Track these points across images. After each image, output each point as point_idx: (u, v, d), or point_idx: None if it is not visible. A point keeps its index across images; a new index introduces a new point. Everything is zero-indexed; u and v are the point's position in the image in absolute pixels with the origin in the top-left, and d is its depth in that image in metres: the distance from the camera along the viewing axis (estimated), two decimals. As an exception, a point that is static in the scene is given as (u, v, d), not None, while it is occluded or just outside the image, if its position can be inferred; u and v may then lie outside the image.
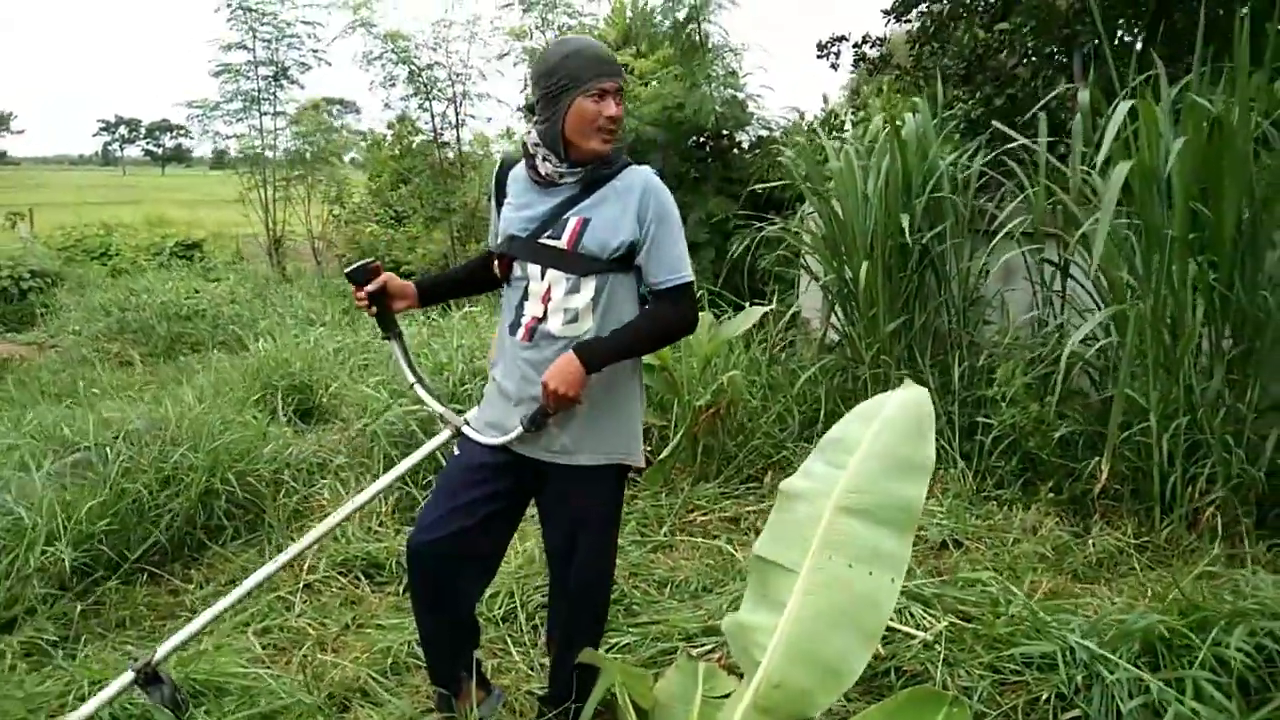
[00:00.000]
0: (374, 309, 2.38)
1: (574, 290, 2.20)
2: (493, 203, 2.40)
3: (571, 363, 2.13)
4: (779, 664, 1.91)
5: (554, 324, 2.21)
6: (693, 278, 2.25)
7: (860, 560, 1.94)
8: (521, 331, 2.25)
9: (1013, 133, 4.55)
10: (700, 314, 4.53)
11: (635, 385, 2.36)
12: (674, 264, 2.21)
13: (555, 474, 2.29)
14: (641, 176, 2.22)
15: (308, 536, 2.46)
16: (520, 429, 2.23)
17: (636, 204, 2.18)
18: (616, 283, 2.21)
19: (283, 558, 2.42)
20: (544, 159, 2.22)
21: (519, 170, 2.32)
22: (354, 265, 2.37)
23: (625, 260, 2.20)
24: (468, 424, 2.39)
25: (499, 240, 2.33)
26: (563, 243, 2.19)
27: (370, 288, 2.33)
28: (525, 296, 2.26)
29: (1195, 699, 2.34)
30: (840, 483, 2.03)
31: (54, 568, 3.12)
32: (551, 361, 2.19)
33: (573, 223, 2.19)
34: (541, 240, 2.21)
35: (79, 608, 3.10)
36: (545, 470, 2.29)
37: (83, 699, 2.39)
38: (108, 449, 3.64)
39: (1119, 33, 5.97)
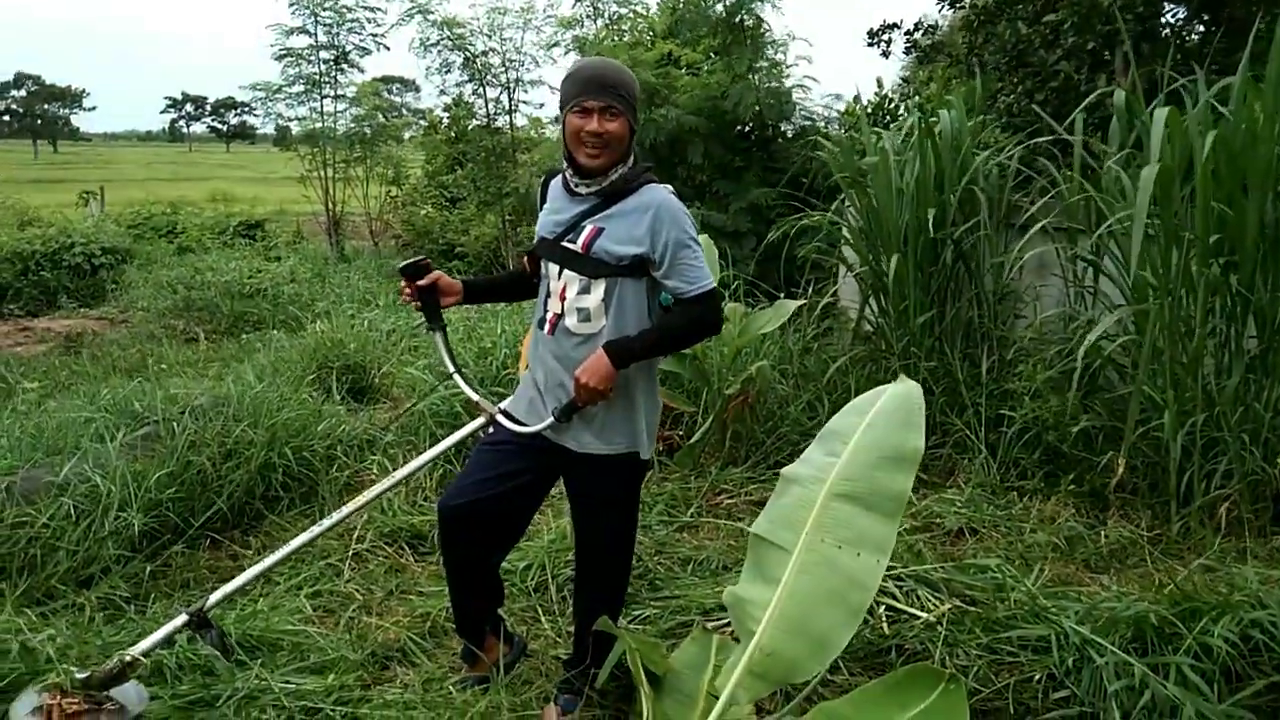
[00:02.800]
0: (420, 303, 2.60)
1: (585, 291, 2.41)
2: (538, 208, 2.62)
3: (602, 360, 2.33)
4: (772, 634, 2.09)
5: (570, 321, 2.43)
6: (714, 284, 2.42)
7: (849, 542, 2.11)
8: (547, 326, 2.47)
9: (1055, 125, 4.61)
10: (734, 304, 4.73)
11: (649, 385, 2.55)
12: (695, 276, 2.37)
13: (577, 461, 2.50)
14: (658, 197, 2.39)
15: (352, 504, 2.71)
16: (551, 420, 2.45)
17: (650, 222, 2.35)
18: (625, 287, 2.39)
19: (327, 522, 2.66)
20: (565, 169, 2.45)
21: (559, 178, 2.53)
22: (407, 261, 2.58)
23: (633, 269, 2.38)
24: (502, 412, 2.61)
25: (535, 240, 2.55)
26: (578, 246, 2.40)
27: (422, 283, 2.55)
28: (548, 293, 2.48)
29: (1178, 684, 2.48)
30: (834, 470, 2.20)
31: (126, 532, 3.40)
32: (570, 355, 2.41)
33: (588, 230, 2.40)
34: (563, 243, 2.43)
35: (148, 569, 3.38)
36: (568, 457, 2.50)
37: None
38: (174, 423, 3.91)
39: (1164, 20, 5.95)
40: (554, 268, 2.45)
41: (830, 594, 2.10)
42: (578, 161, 2.38)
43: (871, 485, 2.15)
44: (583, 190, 2.42)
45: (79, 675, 2.30)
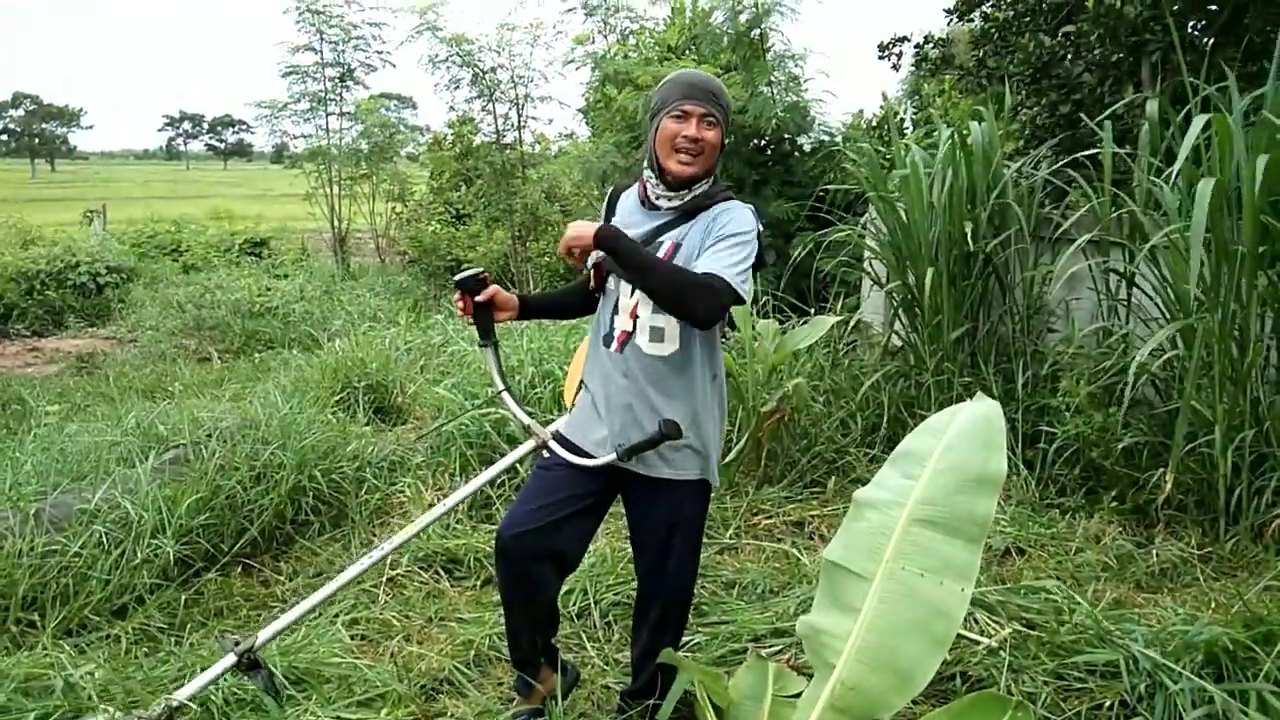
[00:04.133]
0: (475, 318, 2.49)
1: (659, 311, 2.31)
2: (602, 220, 2.54)
3: (590, 227, 2.23)
4: (853, 667, 2.02)
5: (641, 340, 2.34)
6: (735, 289, 2.20)
7: (931, 570, 2.03)
8: (614, 344, 2.38)
9: (1096, 132, 4.56)
10: (767, 321, 4.66)
11: (718, 413, 2.47)
12: (719, 261, 2.20)
13: (643, 486, 2.42)
14: (732, 205, 2.32)
15: (398, 537, 2.62)
16: (612, 456, 2.35)
17: (711, 219, 2.29)
18: None
19: (377, 554, 2.57)
20: (647, 179, 2.37)
21: (632, 192, 2.46)
22: (465, 274, 2.45)
23: None
24: (556, 435, 2.52)
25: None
26: None
27: (480, 298, 2.45)
28: (616, 310, 2.39)
29: (1260, 711, 2.40)
30: (913, 494, 2.13)
31: (158, 559, 3.32)
32: (640, 374, 2.34)
33: (666, 245, 2.32)
34: None
35: (182, 598, 3.30)
36: (633, 481, 2.42)
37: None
38: (202, 446, 3.84)
39: (1189, 34, 5.91)
40: (625, 285, 2.36)
41: (913, 624, 2.02)
42: (667, 169, 2.30)
43: (952, 509, 2.08)
44: (663, 204, 2.35)
45: None
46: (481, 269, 2.51)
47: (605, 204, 2.55)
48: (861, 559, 2.12)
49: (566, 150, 10.78)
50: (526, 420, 2.56)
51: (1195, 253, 3.30)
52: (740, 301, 2.26)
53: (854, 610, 2.08)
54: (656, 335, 2.33)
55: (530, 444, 2.60)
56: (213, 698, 2.48)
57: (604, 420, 2.42)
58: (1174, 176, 3.78)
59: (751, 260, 2.28)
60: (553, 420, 2.81)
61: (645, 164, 2.38)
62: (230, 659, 2.36)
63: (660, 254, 2.31)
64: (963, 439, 2.17)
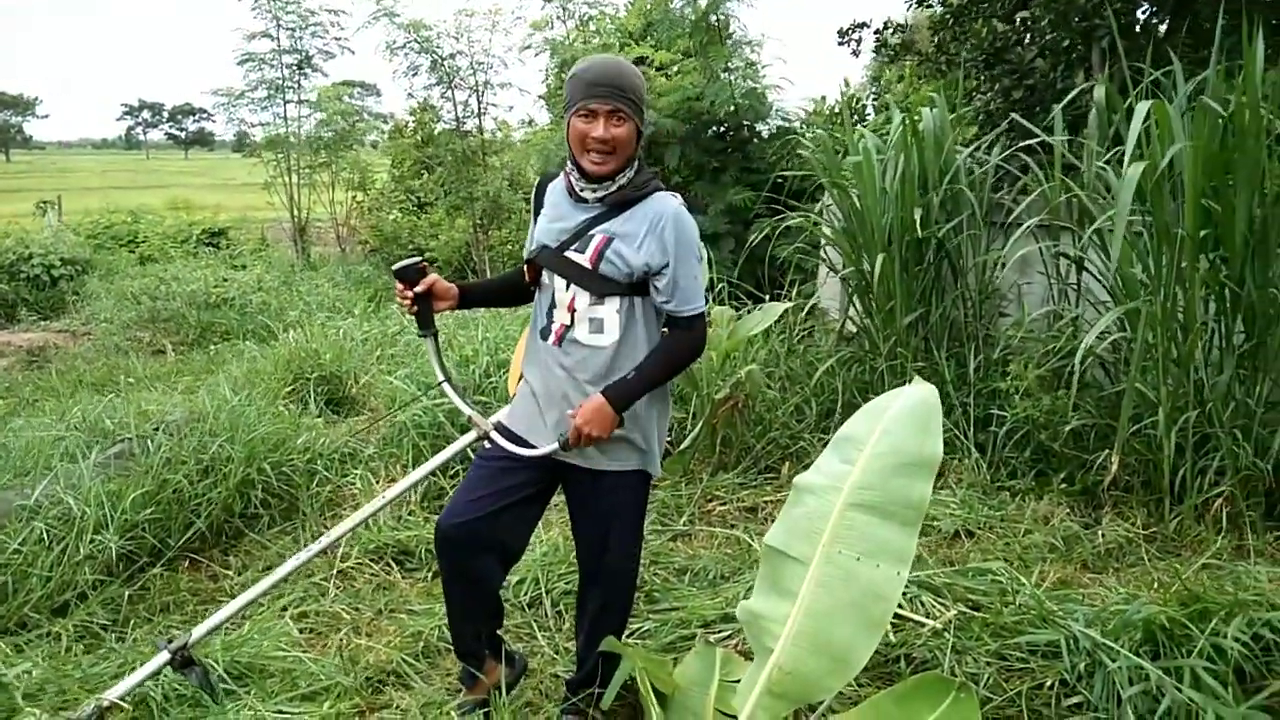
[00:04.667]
0: (416, 308, 2.46)
1: (598, 302, 2.31)
2: (531, 213, 2.51)
3: (603, 407, 2.25)
4: (791, 651, 2.03)
5: (580, 332, 2.33)
6: (705, 305, 2.37)
7: (868, 554, 2.05)
8: (552, 337, 2.37)
9: (1032, 126, 4.61)
10: (721, 308, 4.67)
11: (659, 404, 2.46)
12: (690, 295, 2.31)
13: (583, 476, 2.41)
14: (670, 206, 2.30)
15: (340, 527, 2.60)
16: (554, 446, 2.34)
17: (661, 233, 2.27)
18: (638, 301, 2.32)
19: (315, 547, 2.56)
20: (569, 171, 2.34)
21: (559, 183, 2.42)
22: (404, 264, 2.41)
23: (643, 286, 2.31)
24: (498, 426, 2.50)
25: (533, 246, 2.44)
26: (586, 258, 2.29)
27: (419, 288, 2.41)
28: (553, 304, 2.37)
29: (1193, 687, 2.44)
30: (850, 478, 2.14)
31: (102, 555, 3.27)
32: (579, 366, 2.32)
33: (598, 239, 2.29)
34: (568, 254, 2.32)
35: (126, 593, 3.25)
36: (572, 472, 2.42)
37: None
38: (149, 440, 3.78)
39: (1141, 17, 5.97)
40: (560, 280, 2.35)
41: (850, 607, 2.04)
42: (583, 167, 2.28)
43: (889, 494, 2.09)
44: (589, 196, 2.32)
45: None
46: (420, 258, 2.46)
47: (534, 192, 2.51)
48: (800, 543, 2.13)
49: (527, 138, 10.72)
50: (468, 411, 2.53)
51: (1119, 235, 3.36)
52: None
53: (792, 595, 2.09)
54: (596, 326, 2.32)
55: (471, 435, 2.58)
56: (151, 694, 2.46)
57: (542, 412, 2.41)
58: (1120, 162, 3.81)
59: (701, 267, 2.35)
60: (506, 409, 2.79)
61: (568, 158, 2.36)
62: (164, 657, 2.32)
63: (592, 246, 2.29)
64: (899, 423, 2.18)
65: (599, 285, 2.29)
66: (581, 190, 2.33)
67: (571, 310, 2.33)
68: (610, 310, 2.31)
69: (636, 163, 2.34)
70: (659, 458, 2.48)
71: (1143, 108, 3.52)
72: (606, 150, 2.23)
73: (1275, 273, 3.69)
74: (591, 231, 2.31)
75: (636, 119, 2.26)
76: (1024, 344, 4.54)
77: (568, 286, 2.33)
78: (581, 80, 2.24)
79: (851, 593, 2.04)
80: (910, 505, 2.08)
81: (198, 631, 2.39)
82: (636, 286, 2.30)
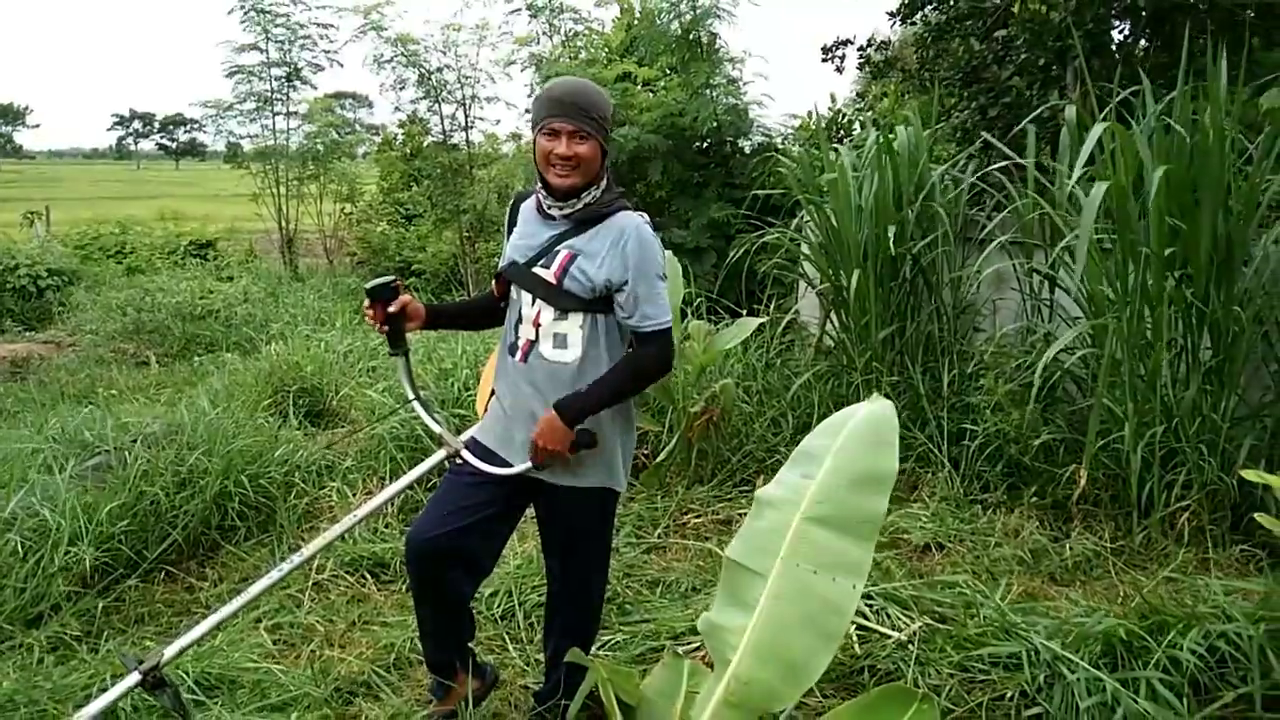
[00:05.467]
0: (386, 327, 2.48)
1: (561, 318, 2.36)
2: (505, 231, 2.57)
3: (555, 421, 2.30)
4: (747, 663, 2.07)
5: (545, 348, 2.38)
6: (671, 322, 2.39)
7: (824, 567, 2.08)
8: (519, 353, 2.42)
9: (1002, 146, 4.68)
10: (698, 322, 4.71)
11: (621, 421, 2.49)
12: (652, 312, 2.33)
13: (549, 491, 2.45)
14: (632, 223, 2.35)
15: (314, 544, 2.61)
16: (527, 465, 2.39)
17: (623, 252, 2.31)
18: (600, 318, 2.37)
19: (287, 566, 2.55)
20: (538, 189, 2.41)
21: (530, 201, 2.49)
22: (376, 282, 2.43)
23: (605, 301, 2.35)
24: (470, 442, 2.54)
25: (504, 262, 2.49)
26: (551, 273, 2.34)
27: (393, 308, 2.43)
28: (520, 319, 2.42)
29: (1148, 698, 2.49)
30: (808, 493, 2.18)
31: (77, 567, 3.29)
32: (545, 381, 2.37)
33: (562, 255, 2.35)
34: (534, 269, 2.37)
35: (100, 605, 3.27)
36: (539, 487, 2.46)
37: (105, 691, 2.55)
38: (126, 452, 3.81)
39: (1117, 35, 6.05)
40: (526, 295, 2.40)
41: (805, 620, 2.07)
42: (548, 182, 2.34)
43: (845, 508, 2.13)
44: (555, 213, 2.38)
45: None
46: (395, 277, 2.49)
47: (509, 210, 2.57)
48: (759, 556, 2.17)
49: (509, 153, 10.78)
50: (438, 429, 2.57)
51: (1081, 253, 3.42)
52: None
53: (750, 607, 2.13)
54: (560, 341, 2.37)
55: (441, 453, 2.61)
56: (121, 705, 2.48)
57: (511, 428, 2.46)
58: (1091, 180, 3.88)
59: (664, 285, 2.38)
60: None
61: (536, 176, 2.41)
62: (134, 678, 2.30)
63: (557, 262, 2.34)
64: (856, 439, 2.22)
65: (562, 300, 2.34)
66: (549, 208, 2.39)
67: (536, 325, 2.38)
68: (574, 326, 2.35)
69: (604, 182, 2.39)
70: (623, 474, 2.51)
71: (1098, 129, 3.59)
72: (570, 166, 2.29)
73: (1240, 290, 3.76)
74: (557, 248, 2.36)
75: (599, 138, 2.32)
76: (997, 359, 4.59)
77: (534, 301, 2.38)
78: (546, 99, 2.32)
79: (808, 605, 2.08)
80: (866, 519, 2.12)
81: (169, 652, 2.38)
82: (599, 303, 2.34)
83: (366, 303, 2.46)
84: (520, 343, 2.42)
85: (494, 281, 2.53)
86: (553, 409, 2.30)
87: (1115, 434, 3.86)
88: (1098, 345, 3.98)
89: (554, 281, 2.34)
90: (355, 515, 2.65)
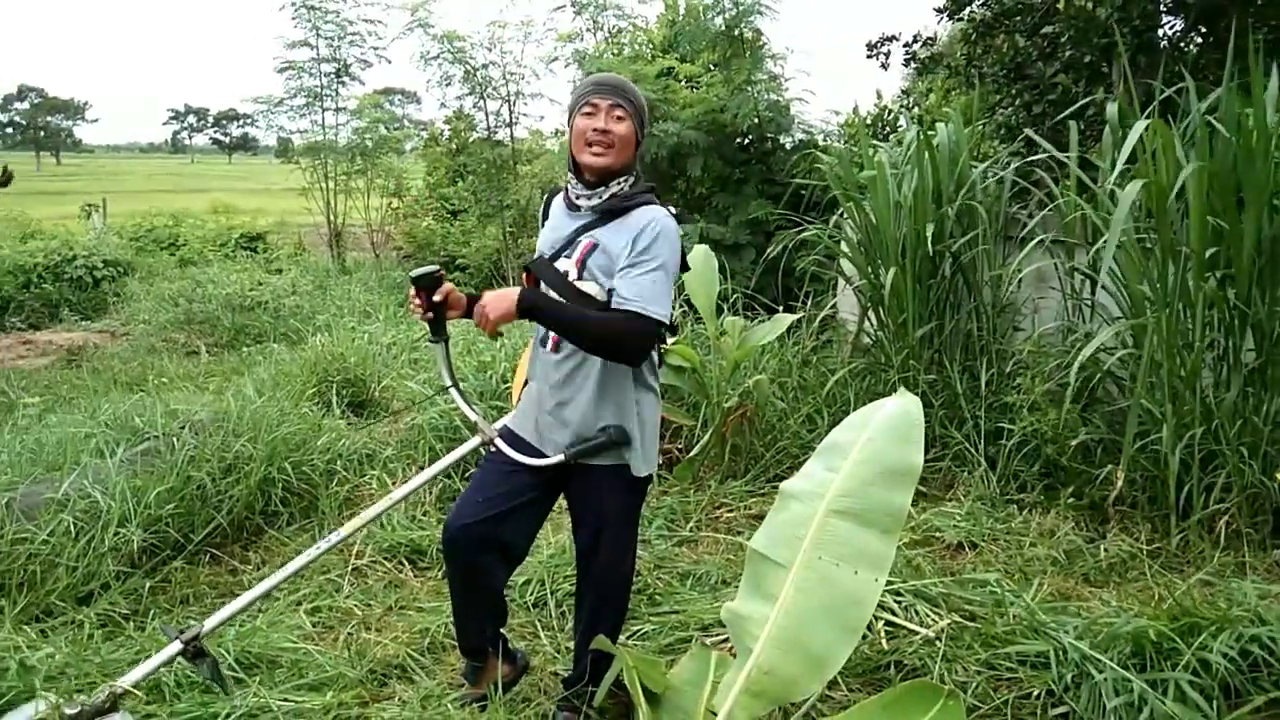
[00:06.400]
0: (430, 314, 2.51)
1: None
2: (539, 226, 2.63)
3: (508, 297, 2.31)
4: (769, 653, 2.09)
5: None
6: (657, 319, 2.30)
7: (846, 559, 2.11)
8: (549, 344, 2.48)
9: (1044, 143, 4.64)
10: (733, 318, 4.73)
11: (650, 408, 2.52)
12: (641, 291, 2.28)
13: (581, 472, 2.49)
14: (655, 215, 2.37)
15: (349, 525, 2.69)
16: (559, 458, 2.45)
17: (639, 233, 2.33)
18: None
19: (325, 544, 2.64)
20: (568, 180, 2.47)
21: (561, 196, 2.55)
22: (421, 271, 2.45)
23: None
24: (504, 430, 2.61)
25: (534, 255, 2.55)
26: (573, 262, 2.39)
27: (437, 296, 2.46)
28: None
29: (1177, 700, 2.48)
30: (833, 486, 2.20)
31: (125, 548, 3.40)
32: (567, 377, 2.44)
33: (584, 243, 2.39)
34: (558, 262, 2.43)
35: (148, 585, 3.38)
36: (569, 473, 2.51)
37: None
38: (175, 439, 3.92)
39: (1165, 32, 5.95)
40: (551, 291, 2.44)
41: (827, 611, 2.10)
42: (581, 163, 2.38)
43: (869, 502, 2.15)
44: (582, 203, 2.43)
45: (69, 711, 2.28)
46: (438, 267, 2.55)
47: (543, 205, 2.63)
48: (782, 548, 2.19)
49: (553, 149, 10.85)
50: (474, 416, 2.62)
51: (1109, 252, 3.39)
52: (664, 328, 2.36)
53: (773, 597, 2.15)
54: None
55: (475, 440, 2.68)
56: (165, 680, 2.57)
57: (540, 416, 2.53)
58: (1121, 180, 3.84)
59: (669, 281, 2.36)
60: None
61: (567, 167, 2.47)
62: (175, 647, 2.40)
63: (578, 252, 2.39)
64: (882, 433, 2.23)
65: (579, 300, 2.37)
66: (577, 198, 2.43)
67: None
68: None
69: (634, 176, 2.43)
70: (646, 455, 2.51)
71: (1139, 127, 3.55)
72: (606, 143, 2.34)
73: (1283, 292, 3.70)
74: (579, 238, 2.40)
75: (634, 122, 2.37)
76: (1036, 358, 4.56)
77: (558, 295, 2.42)
78: (587, 83, 2.41)
79: (830, 597, 2.10)
80: (890, 513, 2.14)
81: (210, 623, 2.48)
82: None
83: (412, 291, 2.50)
84: (551, 335, 2.46)
85: (523, 274, 2.57)
86: (517, 290, 2.32)
87: (1154, 435, 3.82)
88: (1137, 345, 3.95)
89: (575, 271, 2.39)
90: (391, 497, 2.74)
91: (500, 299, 2.32)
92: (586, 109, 2.36)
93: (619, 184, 2.40)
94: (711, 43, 7.42)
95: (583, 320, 2.33)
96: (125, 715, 2.36)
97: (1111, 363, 4.11)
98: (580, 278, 2.38)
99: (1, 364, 7.54)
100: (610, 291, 2.35)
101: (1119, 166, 3.59)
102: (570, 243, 2.42)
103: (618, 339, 2.31)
